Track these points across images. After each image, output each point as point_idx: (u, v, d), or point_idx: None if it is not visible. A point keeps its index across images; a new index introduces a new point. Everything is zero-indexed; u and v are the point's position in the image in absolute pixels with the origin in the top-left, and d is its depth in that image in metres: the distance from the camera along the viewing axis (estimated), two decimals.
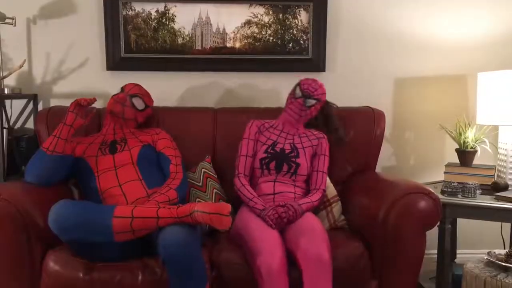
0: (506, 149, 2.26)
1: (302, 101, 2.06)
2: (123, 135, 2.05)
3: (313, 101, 2.07)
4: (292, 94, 2.10)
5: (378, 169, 2.36)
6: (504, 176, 2.26)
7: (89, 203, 1.65)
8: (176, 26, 2.47)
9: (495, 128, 2.42)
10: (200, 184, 2.12)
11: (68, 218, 1.56)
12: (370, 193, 1.99)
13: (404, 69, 2.61)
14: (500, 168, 2.31)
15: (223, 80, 2.54)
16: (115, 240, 1.58)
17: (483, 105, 2.28)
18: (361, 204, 2.01)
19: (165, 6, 2.45)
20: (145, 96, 2.15)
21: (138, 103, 2.10)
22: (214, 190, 2.12)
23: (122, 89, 2.12)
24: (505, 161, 2.26)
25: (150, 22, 2.46)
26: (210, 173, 2.16)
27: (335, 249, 1.74)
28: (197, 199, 2.09)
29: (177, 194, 1.86)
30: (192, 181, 2.13)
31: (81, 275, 1.63)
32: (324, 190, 2.05)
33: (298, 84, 2.09)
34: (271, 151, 2.05)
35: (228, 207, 1.60)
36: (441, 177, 2.45)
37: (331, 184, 2.13)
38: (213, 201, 2.10)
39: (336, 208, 2.08)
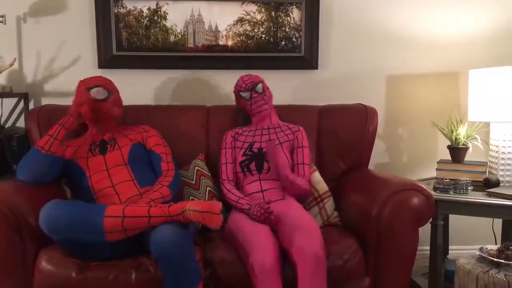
0: (497, 146, 2.27)
1: (255, 93, 2.11)
2: (112, 135, 2.04)
3: (260, 84, 2.12)
4: (243, 102, 2.14)
5: (371, 166, 2.37)
6: (496, 172, 2.28)
7: (80, 203, 1.64)
8: (168, 23, 2.46)
9: (487, 124, 2.44)
10: (194, 182, 2.12)
11: (59, 218, 1.55)
12: (363, 190, 2.00)
13: (397, 66, 2.62)
14: (491, 165, 2.33)
15: (216, 78, 2.54)
16: (107, 239, 1.57)
17: (475, 102, 2.30)
18: (354, 201, 2.02)
19: (157, 4, 2.43)
20: (106, 84, 2.02)
21: (98, 93, 1.96)
22: (208, 188, 2.12)
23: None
24: (496, 157, 2.28)
25: (142, 20, 2.44)
26: (204, 171, 2.16)
27: (329, 246, 1.74)
28: (191, 197, 2.09)
29: (170, 191, 1.86)
30: (186, 179, 2.12)
31: (74, 274, 1.62)
32: (310, 181, 2.05)
33: (239, 91, 2.15)
34: (249, 153, 2.06)
35: (219, 206, 1.60)
36: (433, 173, 2.47)
37: (322, 180, 2.14)
38: (206, 199, 2.09)
39: (329, 204, 2.09)
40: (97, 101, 1.95)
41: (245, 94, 2.12)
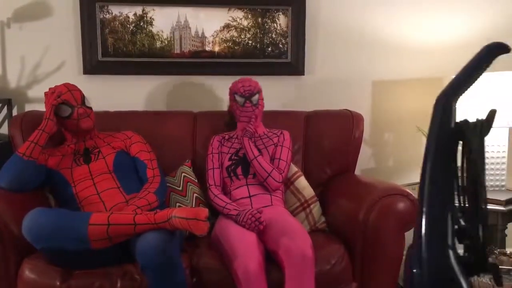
0: None
1: (249, 103, 2.08)
2: (94, 142, 2.01)
3: (257, 96, 2.09)
4: (234, 105, 2.10)
5: (357, 171, 2.38)
6: None
7: (64, 211, 1.62)
8: (154, 29, 2.45)
9: None
10: (180, 188, 2.10)
11: (43, 226, 1.52)
12: (350, 195, 2.01)
13: (382, 72, 2.65)
14: None
15: (203, 83, 2.53)
16: (91, 247, 1.55)
17: (459, 107, 2.33)
18: (341, 206, 2.03)
19: (143, 10, 2.43)
20: (68, 98, 1.92)
21: (62, 111, 1.91)
22: (195, 195, 2.11)
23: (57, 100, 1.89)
24: None
25: (128, 26, 2.43)
26: (190, 177, 2.15)
27: (316, 251, 1.74)
28: (177, 204, 2.07)
29: (156, 197, 1.84)
30: (172, 186, 2.11)
31: (58, 283, 1.59)
32: (284, 178, 2.04)
33: (234, 93, 2.09)
34: (235, 158, 2.06)
35: (205, 212, 1.58)
36: (419, 178, 2.49)
37: (309, 185, 2.14)
38: (193, 205, 2.08)
39: (316, 209, 2.09)
40: (63, 119, 1.93)
41: (240, 99, 2.08)
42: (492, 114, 1.06)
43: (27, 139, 1.86)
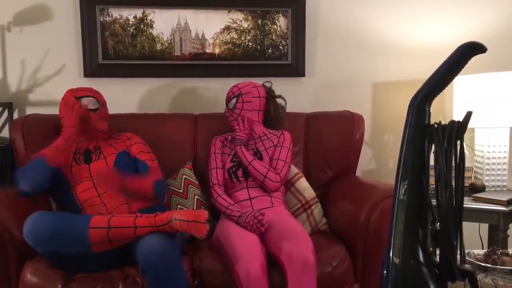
0: (482, 151, 2.30)
1: (227, 108, 2.14)
2: (97, 143, 2.01)
3: (233, 100, 2.12)
4: None
5: (358, 173, 2.38)
6: (481, 177, 2.30)
7: (64, 214, 1.61)
8: (154, 32, 2.45)
9: (471, 130, 2.47)
10: (181, 190, 2.10)
11: (43, 229, 1.52)
12: (351, 197, 2.01)
13: (382, 73, 2.65)
14: (476, 170, 2.36)
15: (203, 86, 2.54)
16: (92, 251, 1.55)
17: (459, 108, 2.33)
18: (342, 208, 2.03)
19: (143, 12, 2.43)
20: (97, 95, 2.03)
21: (90, 103, 1.98)
22: (196, 197, 2.11)
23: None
24: (481, 162, 2.31)
25: (128, 28, 2.43)
26: (191, 179, 2.15)
27: (317, 253, 1.74)
28: (178, 206, 2.07)
29: (153, 185, 1.85)
30: (173, 188, 2.11)
31: (60, 286, 1.59)
32: (283, 178, 2.02)
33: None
34: (236, 160, 2.06)
35: (205, 215, 1.58)
36: None
37: (309, 186, 2.14)
38: (194, 207, 2.08)
39: (317, 210, 2.09)
40: (89, 110, 1.95)
41: (231, 102, 2.14)
42: (468, 115, 1.06)
43: (29, 142, 1.86)
